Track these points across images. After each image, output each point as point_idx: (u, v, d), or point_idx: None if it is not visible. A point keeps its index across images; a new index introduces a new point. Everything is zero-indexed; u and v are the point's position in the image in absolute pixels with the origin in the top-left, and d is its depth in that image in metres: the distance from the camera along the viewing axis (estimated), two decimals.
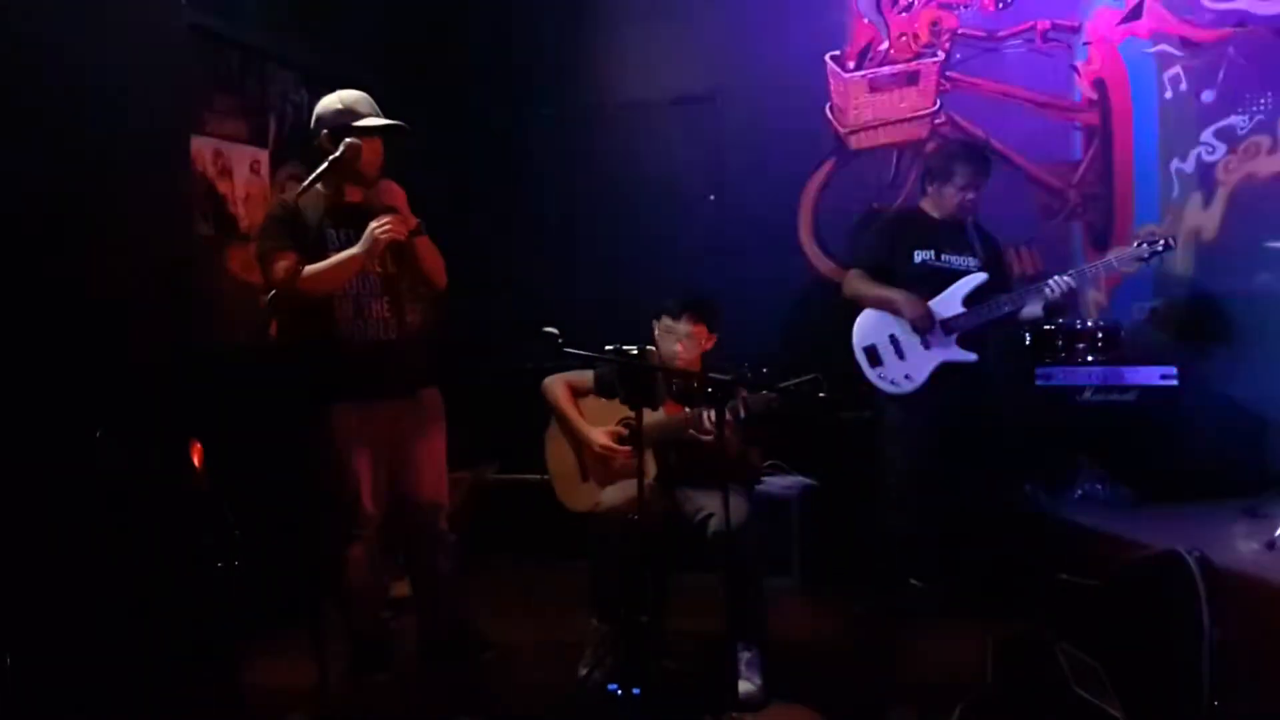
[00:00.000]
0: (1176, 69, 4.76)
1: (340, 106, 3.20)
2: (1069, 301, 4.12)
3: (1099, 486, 4.24)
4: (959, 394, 3.90)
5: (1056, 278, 3.84)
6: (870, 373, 3.97)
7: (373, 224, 3.10)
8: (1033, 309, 3.90)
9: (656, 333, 3.53)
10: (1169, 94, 4.79)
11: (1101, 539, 3.75)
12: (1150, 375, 4.29)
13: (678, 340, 3.48)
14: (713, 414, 3.22)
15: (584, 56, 5.46)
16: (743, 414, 3.19)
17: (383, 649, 3.43)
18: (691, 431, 3.35)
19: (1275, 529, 3.35)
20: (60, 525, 3.09)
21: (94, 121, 3.39)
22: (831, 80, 5.21)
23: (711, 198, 5.18)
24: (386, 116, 3.24)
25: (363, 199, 3.23)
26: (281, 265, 3.07)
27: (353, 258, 3.12)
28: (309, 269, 3.11)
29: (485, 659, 3.49)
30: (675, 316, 3.48)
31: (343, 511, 3.25)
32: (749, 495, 3.47)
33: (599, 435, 3.55)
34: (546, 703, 3.18)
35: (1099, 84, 4.91)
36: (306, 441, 3.29)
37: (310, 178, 3.03)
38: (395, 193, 3.19)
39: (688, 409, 3.40)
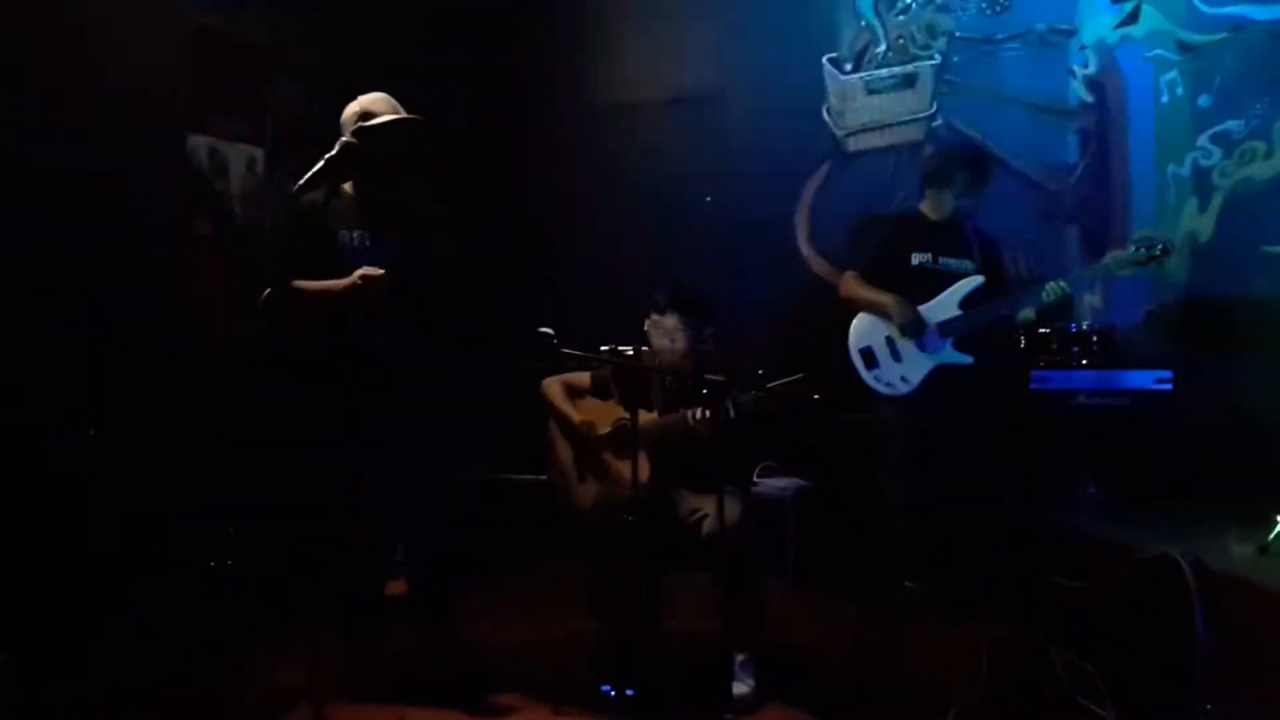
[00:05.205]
0: (1173, 73, 4.77)
1: (357, 109, 3.21)
2: (1065, 305, 4.11)
3: (1093, 490, 4.24)
4: (954, 397, 3.89)
5: (1053, 283, 3.82)
6: (866, 374, 3.96)
7: (362, 270, 3.08)
8: (1025, 310, 3.90)
9: (646, 328, 3.51)
10: (1165, 98, 4.80)
11: (1095, 542, 3.75)
12: (1145, 379, 4.29)
13: (666, 334, 3.44)
14: (701, 413, 3.23)
15: (583, 56, 5.46)
16: (732, 414, 3.18)
17: (374, 648, 3.43)
18: (689, 424, 3.33)
19: (1269, 533, 3.36)
20: (56, 525, 3.08)
21: (90, 118, 3.38)
22: (829, 82, 5.22)
23: (709, 199, 5.18)
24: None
25: (381, 199, 3.24)
26: (280, 268, 3.07)
27: (332, 291, 3.11)
28: (298, 283, 3.12)
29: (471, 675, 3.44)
30: (661, 311, 3.46)
31: (344, 511, 3.28)
32: (744, 496, 3.46)
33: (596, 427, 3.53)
34: (540, 703, 3.17)
35: (1096, 88, 4.92)
36: (311, 440, 3.32)
37: (305, 177, 3.02)
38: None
39: (683, 409, 3.40)
